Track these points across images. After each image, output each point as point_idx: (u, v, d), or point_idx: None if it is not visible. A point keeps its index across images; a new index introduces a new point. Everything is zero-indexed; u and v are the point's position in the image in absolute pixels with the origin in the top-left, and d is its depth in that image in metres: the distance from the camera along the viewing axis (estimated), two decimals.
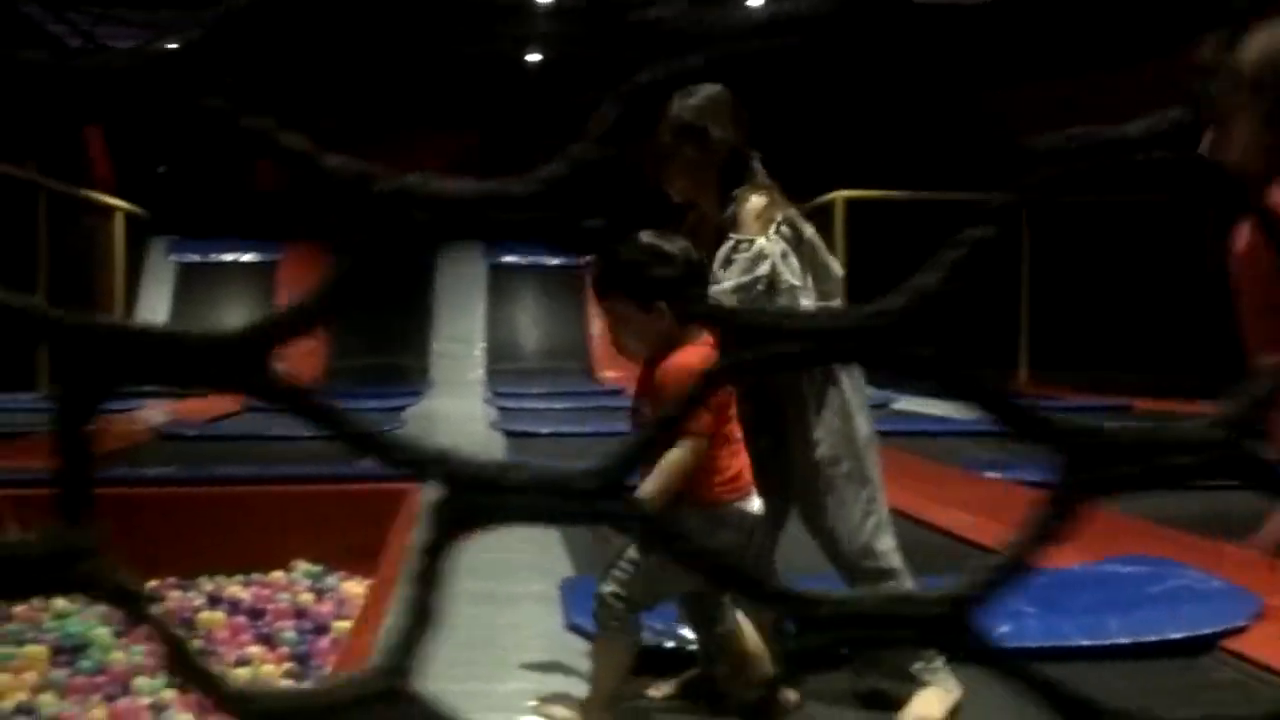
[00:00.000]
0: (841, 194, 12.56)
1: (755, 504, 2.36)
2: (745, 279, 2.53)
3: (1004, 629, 2.93)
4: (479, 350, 14.95)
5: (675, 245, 2.39)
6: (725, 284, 2.53)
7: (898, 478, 5.94)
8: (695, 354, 2.28)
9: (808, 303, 2.57)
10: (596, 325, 15.35)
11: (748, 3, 10.40)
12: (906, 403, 10.23)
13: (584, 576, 3.31)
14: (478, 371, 14.42)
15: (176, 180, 15.72)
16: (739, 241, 2.58)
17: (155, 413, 9.48)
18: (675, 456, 2.20)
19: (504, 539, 2.89)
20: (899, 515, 2.71)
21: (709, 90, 2.56)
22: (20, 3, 12.64)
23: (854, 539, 2.54)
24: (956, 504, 4.59)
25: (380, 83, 15.79)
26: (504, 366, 14.61)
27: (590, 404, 11.04)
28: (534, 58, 16.11)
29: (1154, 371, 12.29)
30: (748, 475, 2.38)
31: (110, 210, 13.84)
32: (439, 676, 2.22)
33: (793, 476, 2.60)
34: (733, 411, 2.39)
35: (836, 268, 2.72)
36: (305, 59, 15.40)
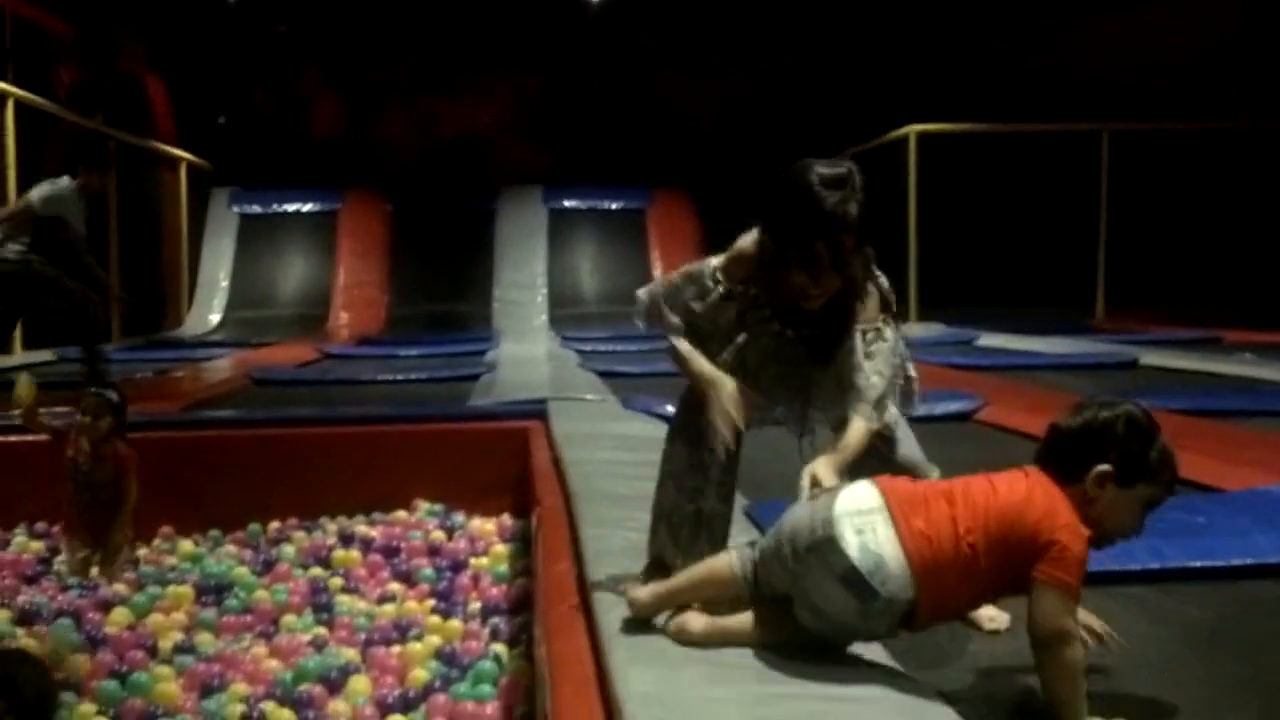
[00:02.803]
0: (914, 128, 12.37)
1: None
2: (889, 367, 2.54)
3: (1235, 545, 2.86)
4: (542, 296, 14.90)
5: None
6: (879, 371, 2.51)
7: (1017, 402, 5.87)
8: None
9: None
10: (659, 268, 15.27)
11: None
12: (988, 339, 10.13)
13: (773, 501, 3.25)
14: (541, 317, 14.37)
15: (237, 131, 15.68)
16: (866, 331, 2.51)
17: (241, 360, 9.50)
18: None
19: None
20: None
21: (862, 181, 2.36)
22: None
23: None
24: None
25: (443, 27, 15.64)
26: (566, 311, 14.56)
27: (661, 346, 10.97)
28: None
29: (1233, 305, 12.09)
30: None
31: (175, 161, 13.84)
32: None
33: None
34: None
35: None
36: (367, 4, 15.33)
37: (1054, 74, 13.98)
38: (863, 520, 2.05)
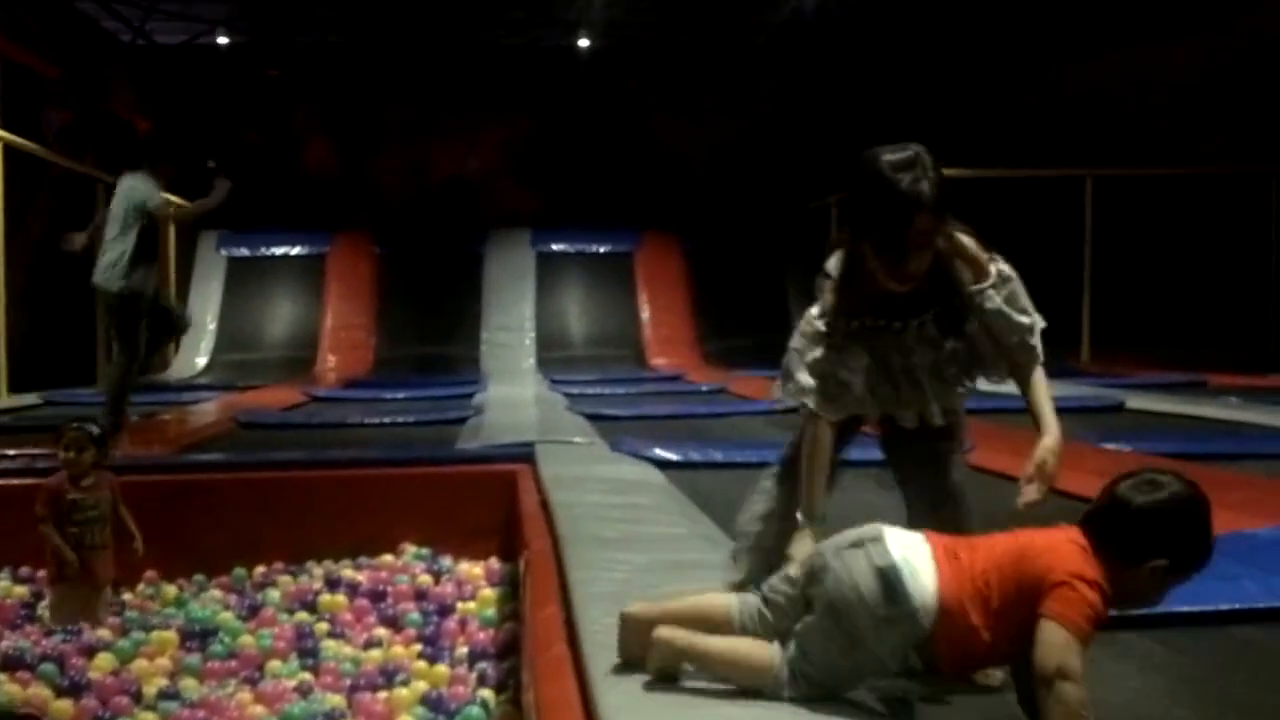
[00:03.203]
0: None
1: None
2: (1028, 300, 2.59)
3: (1223, 590, 2.86)
4: (530, 338, 14.91)
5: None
6: (1024, 310, 2.57)
7: (1001, 445, 5.89)
8: None
9: None
10: (646, 311, 15.31)
11: None
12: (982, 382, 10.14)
13: None
14: (529, 360, 14.38)
15: (226, 174, 15.71)
16: (989, 283, 2.53)
17: (227, 404, 9.47)
18: None
19: (666, 513, 2.81)
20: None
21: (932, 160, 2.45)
22: None
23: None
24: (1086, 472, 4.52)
25: (433, 71, 15.75)
26: (554, 354, 14.58)
27: (649, 389, 11.00)
28: (584, 44, 16.05)
29: (1218, 348, 12.14)
30: None
31: None
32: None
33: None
34: None
35: None
36: (359, 49, 15.41)
37: (1039, 119, 14.11)
38: (907, 542, 2.11)
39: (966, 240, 2.56)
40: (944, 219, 2.42)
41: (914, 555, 2.09)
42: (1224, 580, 2.92)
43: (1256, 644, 2.71)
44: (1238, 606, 2.82)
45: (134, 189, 6.74)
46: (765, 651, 2.14)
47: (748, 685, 2.13)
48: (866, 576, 2.06)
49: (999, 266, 2.57)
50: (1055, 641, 1.95)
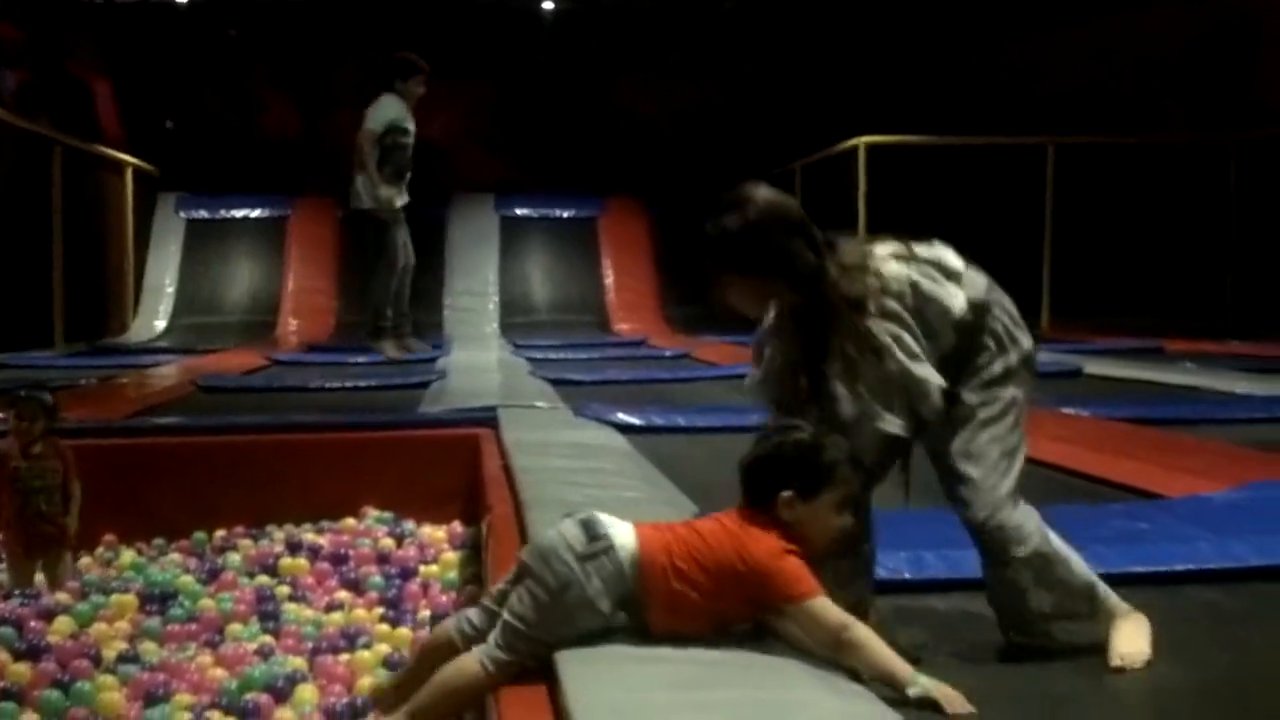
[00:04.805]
0: (864, 139, 12.46)
1: None
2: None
3: (1178, 551, 2.90)
4: (493, 303, 14.85)
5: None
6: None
7: None
8: None
9: None
10: (610, 276, 15.27)
11: None
12: None
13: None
14: (492, 325, 14.33)
15: (185, 135, 15.53)
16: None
17: (187, 367, 9.40)
18: None
19: (629, 478, 2.84)
20: None
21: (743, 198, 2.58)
22: None
23: None
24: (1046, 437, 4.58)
25: (395, 33, 15.57)
26: (517, 319, 14.53)
27: (612, 354, 11.01)
28: (548, 6, 15.92)
29: (1175, 315, 12.28)
30: None
31: (121, 166, 13.67)
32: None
33: None
34: None
35: None
36: (320, 9, 15.23)
37: (1003, 88, 14.15)
38: (610, 517, 2.34)
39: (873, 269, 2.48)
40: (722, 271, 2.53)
41: (613, 519, 2.31)
42: (1180, 542, 2.98)
43: (1211, 604, 2.76)
44: (1193, 568, 2.87)
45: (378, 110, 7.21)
46: (468, 657, 2.28)
47: (470, 696, 2.28)
48: (568, 525, 2.30)
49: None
50: (814, 619, 2.11)
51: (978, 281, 2.50)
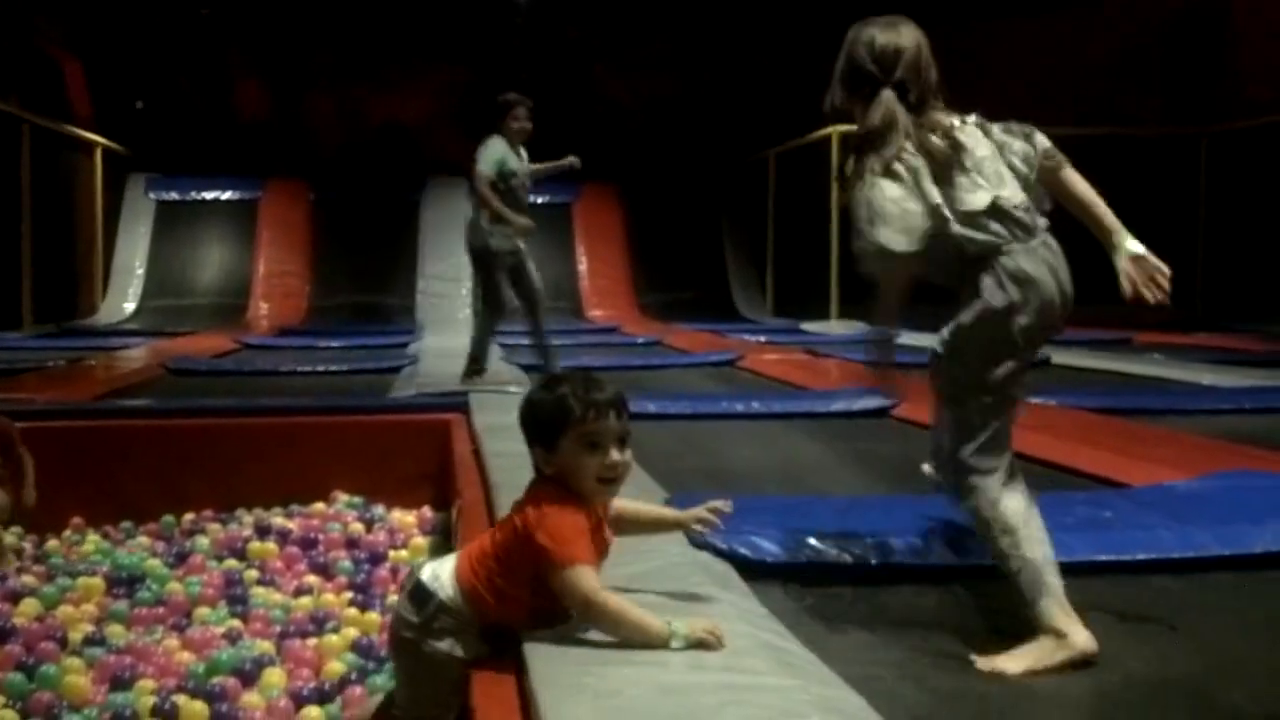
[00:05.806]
0: (836, 128, 12.46)
1: None
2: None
3: (1140, 539, 2.93)
4: (465, 289, 14.81)
5: None
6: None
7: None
8: None
9: None
10: (584, 262, 15.26)
11: None
12: (909, 337, 10.25)
13: (693, 494, 3.28)
14: (465, 310, 14.29)
15: (155, 116, 15.40)
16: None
17: (157, 350, 9.34)
18: None
19: None
20: None
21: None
22: None
23: None
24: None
25: (371, 14, 15.48)
26: None
27: (585, 341, 11.00)
28: None
29: (1144, 307, 12.34)
30: None
31: (90, 146, 13.56)
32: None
33: None
34: None
35: None
36: None
37: (976, 77, 14.19)
38: (442, 560, 2.39)
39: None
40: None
41: (441, 564, 2.34)
42: (1142, 530, 3.00)
43: (1172, 592, 2.79)
44: (1155, 556, 2.89)
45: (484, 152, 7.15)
46: None
47: None
48: (401, 600, 2.35)
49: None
50: (566, 585, 2.13)
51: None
